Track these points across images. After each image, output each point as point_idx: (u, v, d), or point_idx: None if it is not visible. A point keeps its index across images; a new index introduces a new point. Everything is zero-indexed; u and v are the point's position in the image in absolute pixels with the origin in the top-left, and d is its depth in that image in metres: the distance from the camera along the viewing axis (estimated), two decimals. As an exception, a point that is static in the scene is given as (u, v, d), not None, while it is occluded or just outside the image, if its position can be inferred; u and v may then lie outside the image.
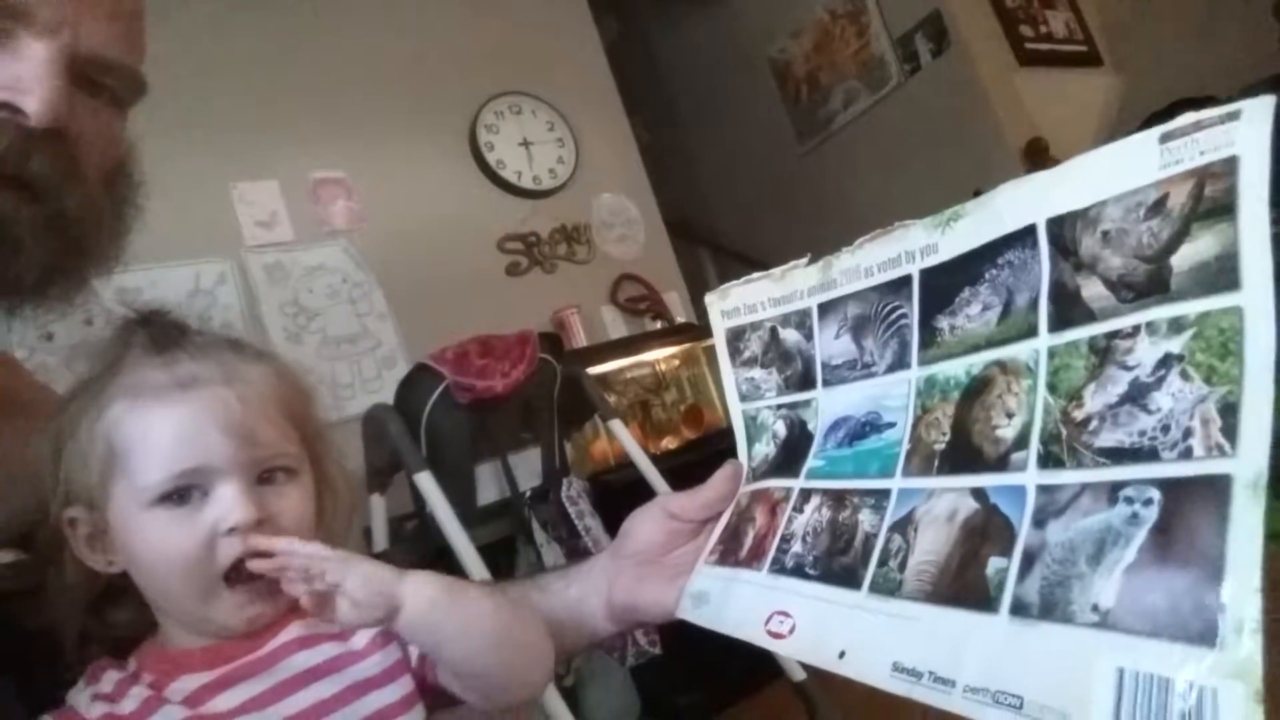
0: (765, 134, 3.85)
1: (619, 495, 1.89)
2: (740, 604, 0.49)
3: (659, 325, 2.88)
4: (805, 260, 0.52)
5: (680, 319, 2.93)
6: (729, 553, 0.52)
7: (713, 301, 0.58)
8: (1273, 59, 2.60)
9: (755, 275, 0.55)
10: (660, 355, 2.83)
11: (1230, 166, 0.30)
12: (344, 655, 0.52)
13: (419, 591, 0.48)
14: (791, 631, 0.45)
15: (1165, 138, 0.33)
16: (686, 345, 2.82)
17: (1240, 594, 0.27)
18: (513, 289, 2.77)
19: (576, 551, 1.68)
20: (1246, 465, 0.29)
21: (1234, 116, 0.30)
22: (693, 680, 2.02)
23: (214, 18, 2.40)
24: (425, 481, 1.55)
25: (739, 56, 3.90)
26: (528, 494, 1.75)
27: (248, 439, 0.50)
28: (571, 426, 2.01)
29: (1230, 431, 0.29)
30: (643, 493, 1.73)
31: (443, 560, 1.54)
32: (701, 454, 2.33)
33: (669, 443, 2.65)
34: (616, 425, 1.89)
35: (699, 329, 2.77)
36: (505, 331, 1.78)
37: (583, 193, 3.03)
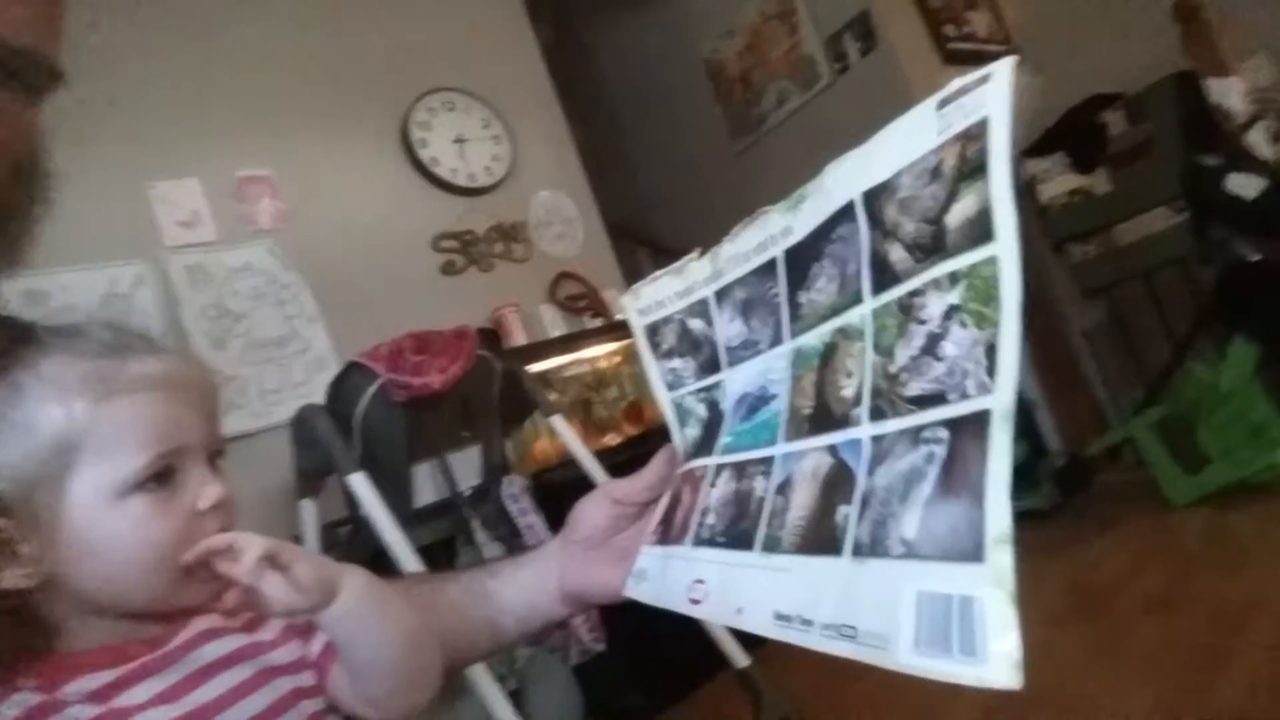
0: (701, 133, 3.88)
1: (562, 493, 1.87)
2: (670, 577, 0.52)
3: (599, 323, 2.88)
4: (697, 253, 0.55)
5: (620, 316, 2.93)
6: (665, 532, 0.55)
7: (628, 302, 0.61)
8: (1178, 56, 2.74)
9: (659, 272, 0.58)
10: (600, 352, 2.83)
11: (983, 128, 0.33)
12: (253, 644, 0.52)
13: (354, 581, 0.50)
14: (706, 597, 0.48)
15: (941, 104, 0.35)
16: (626, 342, 2.81)
17: (996, 512, 0.30)
18: (449, 288, 2.73)
19: (519, 550, 1.66)
20: (1000, 398, 0.31)
21: (986, 79, 0.32)
22: (637, 679, 2.02)
23: (130, 5, 2.29)
24: (358, 483, 1.51)
25: (674, 56, 3.91)
26: (467, 493, 1.72)
27: (211, 419, 0.52)
28: (512, 424, 1.99)
29: (992, 370, 0.32)
30: (586, 491, 1.72)
31: (379, 564, 1.51)
32: (643, 450, 2.32)
33: (610, 439, 2.64)
34: (558, 421, 1.87)
35: (639, 326, 2.77)
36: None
37: (520, 191, 3.00)
